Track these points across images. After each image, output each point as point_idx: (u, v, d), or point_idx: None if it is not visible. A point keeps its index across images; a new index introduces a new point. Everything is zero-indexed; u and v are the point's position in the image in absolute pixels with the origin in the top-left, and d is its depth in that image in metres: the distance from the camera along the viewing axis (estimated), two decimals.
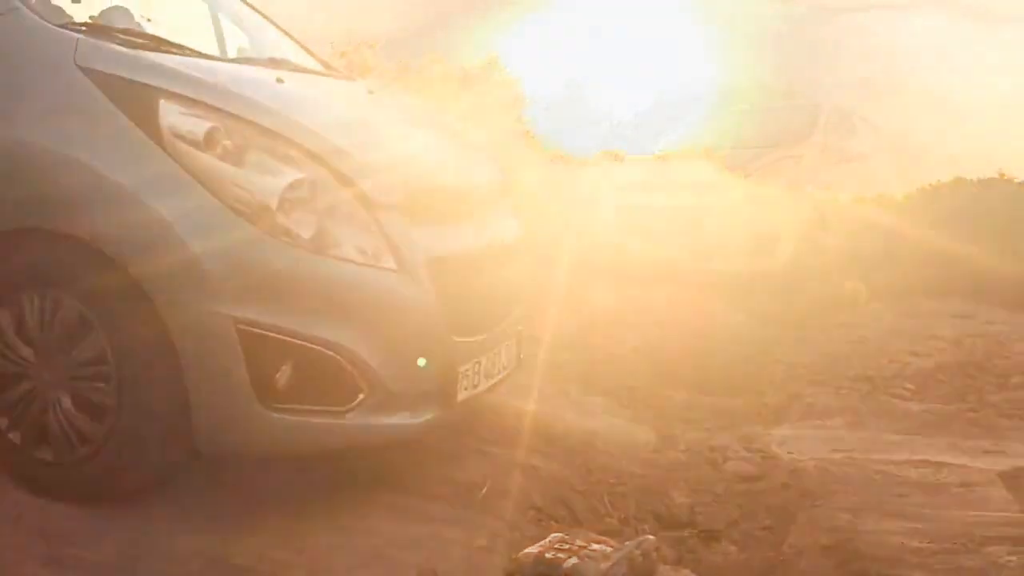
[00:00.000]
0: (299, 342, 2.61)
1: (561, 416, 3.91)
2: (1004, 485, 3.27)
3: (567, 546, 2.60)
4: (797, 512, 3.14)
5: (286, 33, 4.16)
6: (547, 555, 2.53)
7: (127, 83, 2.67)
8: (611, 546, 2.61)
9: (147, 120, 2.62)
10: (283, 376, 2.60)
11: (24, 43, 2.79)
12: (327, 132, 2.79)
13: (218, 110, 2.66)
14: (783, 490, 3.33)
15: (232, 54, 3.98)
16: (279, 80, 3.06)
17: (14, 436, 2.69)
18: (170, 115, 2.63)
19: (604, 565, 2.49)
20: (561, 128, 10.82)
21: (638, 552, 2.56)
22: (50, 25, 2.81)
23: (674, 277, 6.92)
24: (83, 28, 2.90)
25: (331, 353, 2.64)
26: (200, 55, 3.16)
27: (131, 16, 3.82)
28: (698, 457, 3.70)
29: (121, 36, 2.96)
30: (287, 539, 2.59)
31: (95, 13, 3.47)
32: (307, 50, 4.11)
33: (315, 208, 2.66)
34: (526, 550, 2.56)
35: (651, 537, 2.67)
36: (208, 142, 2.61)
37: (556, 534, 2.67)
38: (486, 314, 3.11)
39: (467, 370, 2.97)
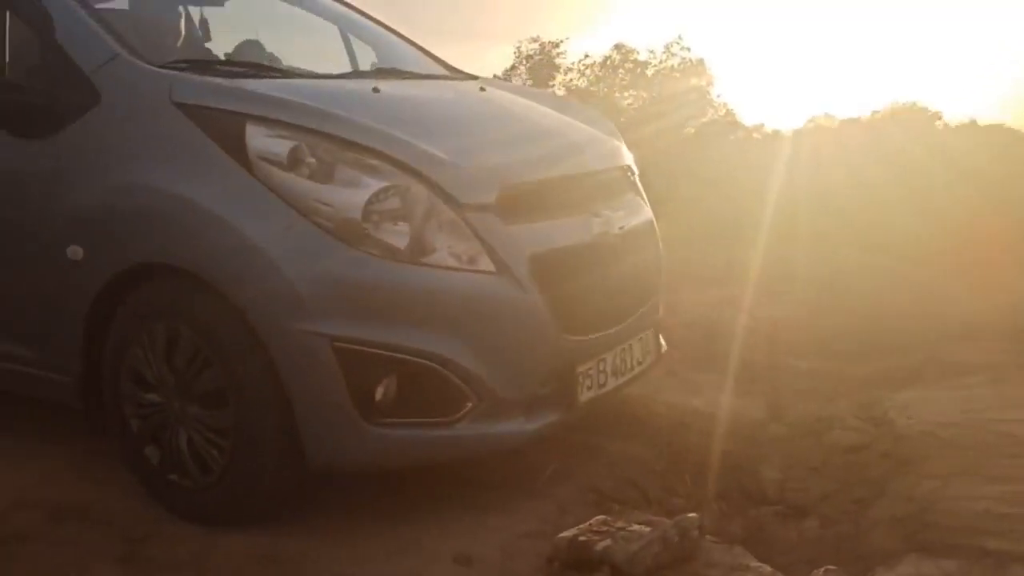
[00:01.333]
0: (397, 355, 2.59)
1: (660, 397, 3.79)
2: None
3: (606, 528, 2.54)
4: (889, 482, 2.90)
5: (410, 42, 4.24)
6: (581, 538, 2.47)
7: (216, 112, 2.73)
8: (653, 526, 2.52)
9: (236, 146, 2.67)
10: (384, 390, 2.60)
11: (127, 87, 2.88)
12: (415, 137, 2.75)
13: (300, 127, 2.67)
14: (882, 459, 3.08)
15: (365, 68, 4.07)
16: (375, 90, 3.07)
17: (151, 454, 2.80)
18: (256, 138, 2.67)
19: (635, 546, 2.41)
20: None
21: (674, 531, 2.45)
22: (148, 67, 2.89)
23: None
24: (181, 66, 3.00)
25: (432, 364, 2.61)
26: (299, 75, 3.26)
27: (261, 47, 4.09)
28: (801, 429, 3.48)
29: (217, 68, 3.10)
30: (333, 532, 2.66)
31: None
32: (430, 55, 4.18)
33: (402, 217, 2.62)
34: (562, 534, 2.51)
35: (693, 515, 2.53)
36: (291, 161, 2.62)
37: (600, 516, 2.60)
38: (610, 308, 3.03)
39: (589, 369, 2.91)
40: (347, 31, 4.23)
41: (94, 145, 2.87)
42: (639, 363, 3.18)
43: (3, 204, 3.02)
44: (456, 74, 4.06)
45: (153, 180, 2.73)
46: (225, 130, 2.69)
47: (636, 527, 2.51)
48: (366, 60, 4.15)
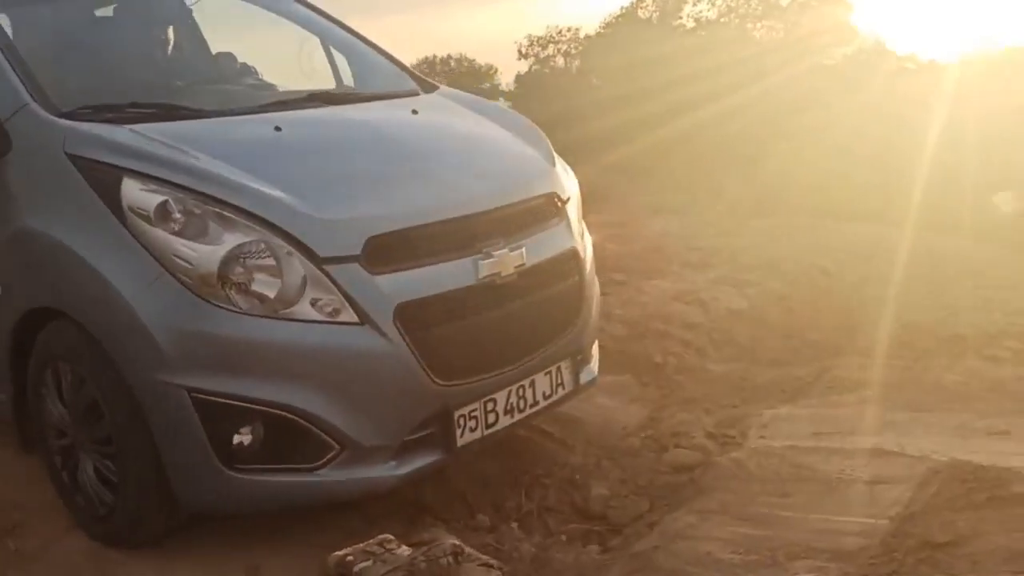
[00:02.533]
0: (254, 407, 2.70)
1: None
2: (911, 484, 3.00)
3: (379, 549, 2.89)
4: (672, 512, 3.13)
5: (381, 51, 4.28)
6: (348, 557, 2.84)
7: (98, 165, 2.86)
8: (417, 549, 2.86)
9: (113, 199, 2.80)
10: (243, 439, 2.72)
11: (31, 136, 3.05)
12: (286, 189, 2.81)
13: (169, 182, 2.77)
14: (686, 486, 3.31)
15: (347, 81, 4.20)
16: (277, 129, 3.18)
17: (66, 476, 3.08)
18: (130, 192, 2.79)
19: (383, 569, 2.76)
20: None
21: (422, 558, 2.79)
22: (48, 117, 3.02)
23: None
24: (82, 112, 3.09)
25: (289, 416, 2.71)
26: (207, 114, 3.32)
27: (234, 59, 4.38)
28: (653, 443, 3.72)
29: (124, 112, 3.16)
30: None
31: None
32: (399, 64, 4.22)
33: (262, 271, 2.70)
34: (337, 552, 2.88)
35: (453, 541, 2.85)
36: (159, 215, 2.73)
37: (383, 536, 2.94)
38: (498, 350, 3.04)
39: (473, 411, 2.97)
40: (327, 41, 4.28)
41: (5, 190, 3.08)
42: (545, 397, 3.22)
43: None
44: (404, 91, 3.99)
45: (47, 228, 2.92)
46: (105, 182, 2.83)
47: (402, 550, 2.86)
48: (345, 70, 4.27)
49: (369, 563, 2.80)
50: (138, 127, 3.02)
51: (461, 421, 2.95)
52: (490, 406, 3.04)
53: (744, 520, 2.92)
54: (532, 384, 3.18)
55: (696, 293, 5.54)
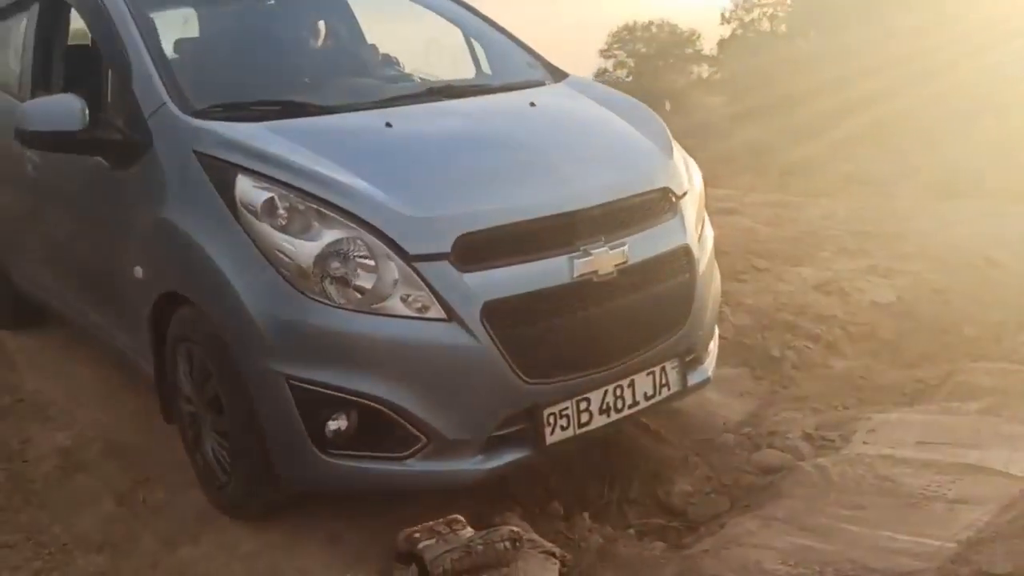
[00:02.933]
0: (346, 396, 2.83)
1: None
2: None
3: (446, 529, 3.02)
4: (738, 517, 3.10)
5: (519, 43, 4.32)
6: (416, 534, 2.99)
7: (219, 162, 3.06)
8: (478, 532, 2.98)
9: (229, 195, 2.98)
10: (335, 426, 2.86)
11: (168, 134, 3.28)
12: (383, 186, 2.92)
13: (276, 180, 2.93)
14: (765, 489, 3.26)
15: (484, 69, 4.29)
16: (388, 125, 3.30)
17: (192, 441, 3.33)
18: (243, 188, 2.97)
19: (441, 548, 2.90)
20: None
21: (479, 541, 2.90)
22: (183, 116, 3.25)
23: None
24: (213, 111, 3.29)
25: (378, 407, 2.83)
26: (326, 111, 3.43)
27: (376, 51, 4.59)
28: (747, 441, 3.66)
29: (250, 110, 3.33)
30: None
31: None
32: (529, 51, 4.26)
33: (355, 267, 2.81)
34: (407, 529, 3.04)
35: (512, 527, 2.94)
36: (265, 211, 2.90)
37: (452, 516, 3.07)
38: (595, 349, 3.03)
39: (564, 410, 2.97)
40: (467, 31, 4.37)
41: (148, 182, 3.32)
42: (647, 398, 3.16)
43: (106, 218, 3.61)
44: (529, 81, 4.01)
45: (178, 220, 3.14)
46: (223, 179, 3.02)
47: (466, 531, 2.99)
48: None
49: (432, 541, 2.95)
50: (259, 125, 3.20)
51: (551, 419, 2.95)
52: (583, 405, 3.02)
53: (806, 531, 2.86)
54: (632, 384, 3.13)
55: (840, 283, 5.32)
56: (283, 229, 2.89)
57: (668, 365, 3.23)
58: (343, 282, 2.83)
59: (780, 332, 4.66)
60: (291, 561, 3.01)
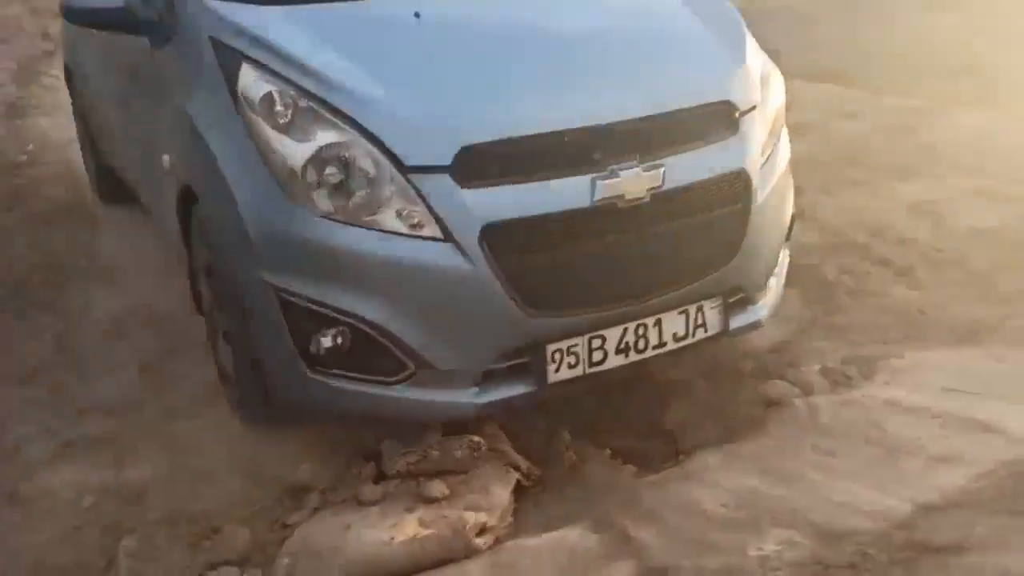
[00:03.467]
0: (333, 315, 2.65)
1: None
2: None
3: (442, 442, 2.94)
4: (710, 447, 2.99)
5: None
6: (408, 449, 2.92)
7: (228, 49, 2.88)
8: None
9: (234, 86, 2.82)
10: (321, 344, 2.70)
11: (190, 17, 3.12)
12: (390, 87, 2.69)
13: (277, 74, 2.74)
14: (758, 422, 3.12)
15: None
16: (416, 15, 3.02)
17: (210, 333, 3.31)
18: (245, 79, 2.79)
19: (399, 451, 2.94)
20: None
21: (435, 448, 2.92)
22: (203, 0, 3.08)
23: None
24: None
25: (366, 329, 2.64)
26: None
27: None
28: (761, 370, 3.49)
29: None
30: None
31: None
32: None
33: (348, 174, 2.61)
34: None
35: (473, 438, 2.93)
36: (263, 106, 2.71)
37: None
38: (615, 283, 2.77)
39: (573, 347, 2.74)
40: None
41: (173, 66, 3.22)
42: (677, 339, 2.90)
43: (147, 101, 3.54)
44: None
45: (190, 108, 2.98)
46: (231, 68, 2.84)
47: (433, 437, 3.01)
48: None
49: (394, 442, 3.01)
50: (279, 9, 3.01)
51: (556, 356, 2.73)
52: (597, 343, 2.77)
53: (766, 474, 2.74)
54: (658, 324, 2.85)
55: (939, 203, 4.91)
56: (279, 127, 2.69)
57: (707, 304, 2.94)
58: (334, 190, 2.62)
59: (845, 254, 4.39)
60: (271, 447, 3.13)
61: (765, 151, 3.11)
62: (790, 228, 3.41)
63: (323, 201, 2.64)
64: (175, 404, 3.40)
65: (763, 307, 3.21)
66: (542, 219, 2.64)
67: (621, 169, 2.71)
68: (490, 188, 2.62)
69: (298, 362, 2.75)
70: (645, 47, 3.17)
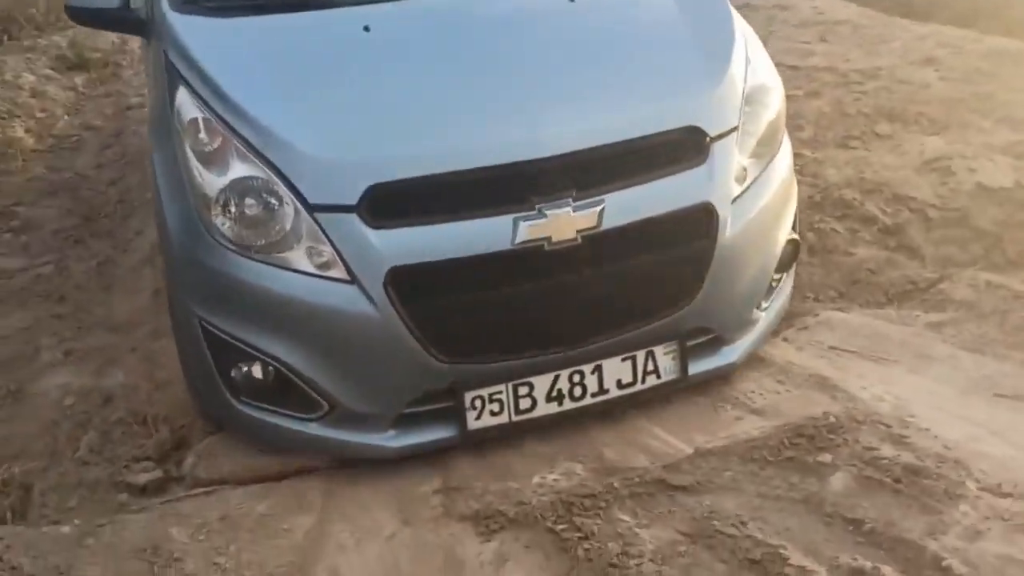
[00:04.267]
0: (249, 350, 2.63)
1: None
2: None
3: None
4: None
5: None
6: None
7: (173, 67, 2.91)
8: None
9: (172, 105, 2.84)
10: (242, 376, 2.71)
11: (157, 27, 3.16)
12: (307, 122, 2.63)
13: (204, 102, 2.72)
14: None
15: None
16: (365, 29, 2.93)
17: None
18: (180, 101, 2.80)
19: None
20: None
21: None
22: (167, 10, 3.10)
23: None
24: (195, 5, 3.11)
25: (278, 366, 2.62)
26: (304, 6, 3.10)
27: None
28: None
29: (213, 5, 3.11)
30: None
31: None
32: None
33: (255, 211, 2.57)
34: None
35: None
36: (190, 132, 2.72)
37: None
38: (541, 330, 2.63)
39: (494, 395, 2.62)
40: None
41: (150, 68, 3.42)
42: (622, 386, 2.72)
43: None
44: None
45: (151, 114, 3.14)
46: (172, 87, 2.88)
47: None
48: None
49: None
50: (227, 22, 3.03)
51: (477, 403, 2.61)
52: (523, 391, 2.63)
53: (604, 415, 2.97)
54: (598, 370, 2.67)
55: (957, 159, 4.79)
56: (200, 156, 2.69)
57: (660, 350, 2.73)
58: (246, 225, 2.59)
59: (825, 210, 4.43)
60: None
61: (746, 176, 2.84)
62: (793, 253, 3.16)
63: (235, 234, 2.60)
64: (165, 326, 3.98)
65: (738, 348, 2.95)
66: (455, 263, 2.50)
67: (550, 208, 2.51)
68: (400, 229, 2.51)
69: (223, 390, 2.75)
70: (610, 67, 2.92)
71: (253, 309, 2.62)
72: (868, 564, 2.19)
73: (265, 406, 2.74)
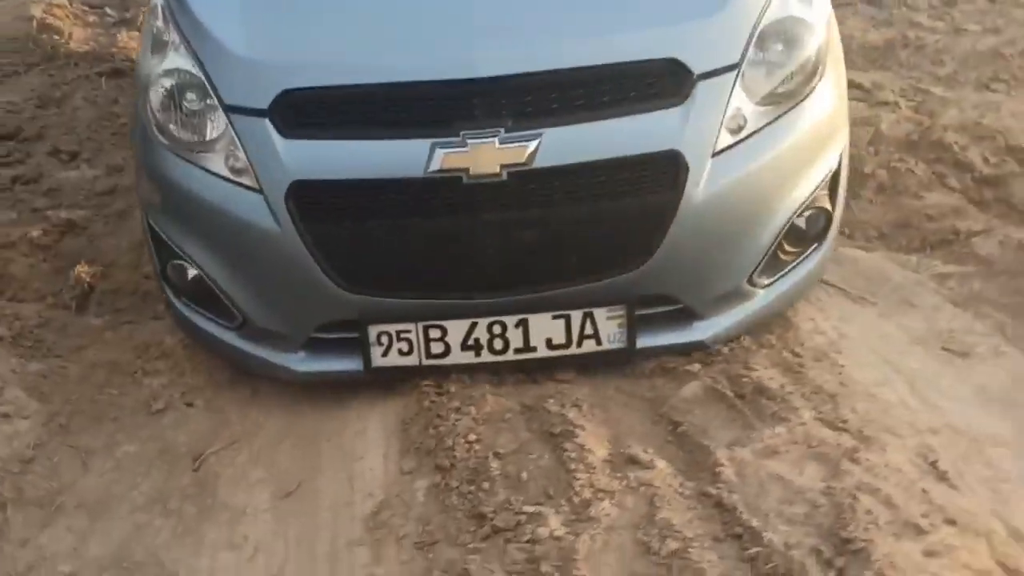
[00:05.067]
0: (176, 249, 2.60)
1: None
2: None
3: None
4: None
5: None
6: None
7: None
8: None
9: None
10: (175, 276, 2.69)
11: None
12: (245, 21, 2.56)
13: None
14: None
15: None
16: None
17: None
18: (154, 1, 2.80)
19: None
20: None
21: None
22: None
23: None
24: None
25: (198, 271, 2.58)
26: None
27: None
28: None
29: None
30: None
31: None
32: None
33: (180, 107, 2.53)
34: None
35: None
36: (150, 18, 2.76)
37: None
38: (461, 271, 2.44)
39: (403, 333, 2.45)
40: None
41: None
42: (552, 346, 2.48)
43: None
44: None
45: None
46: None
47: None
48: None
49: None
50: None
51: (383, 339, 2.46)
52: (435, 334, 2.45)
53: None
54: (523, 325, 2.44)
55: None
56: (153, 42, 2.69)
57: (601, 313, 2.45)
58: (171, 121, 2.56)
59: (918, 152, 4.15)
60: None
61: (744, 126, 2.47)
62: (822, 224, 2.71)
63: (162, 129, 2.58)
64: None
65: (713, 326, 2.60)
66: (362, 184, 2.36)
67: (474, 137, 2.29)
68: (309, 141, 2.39)
69: (165, 287, 2.78)
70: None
71: (178, 209, 2.58)
72: (648, 457, 2.28)
73: (196, 308, 2.72)
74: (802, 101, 2.54)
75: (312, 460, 2.54)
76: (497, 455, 2.34)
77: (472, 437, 2.38)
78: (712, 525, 2.10)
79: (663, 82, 2.39)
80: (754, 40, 2.47)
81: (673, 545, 2.01)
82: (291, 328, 2.56)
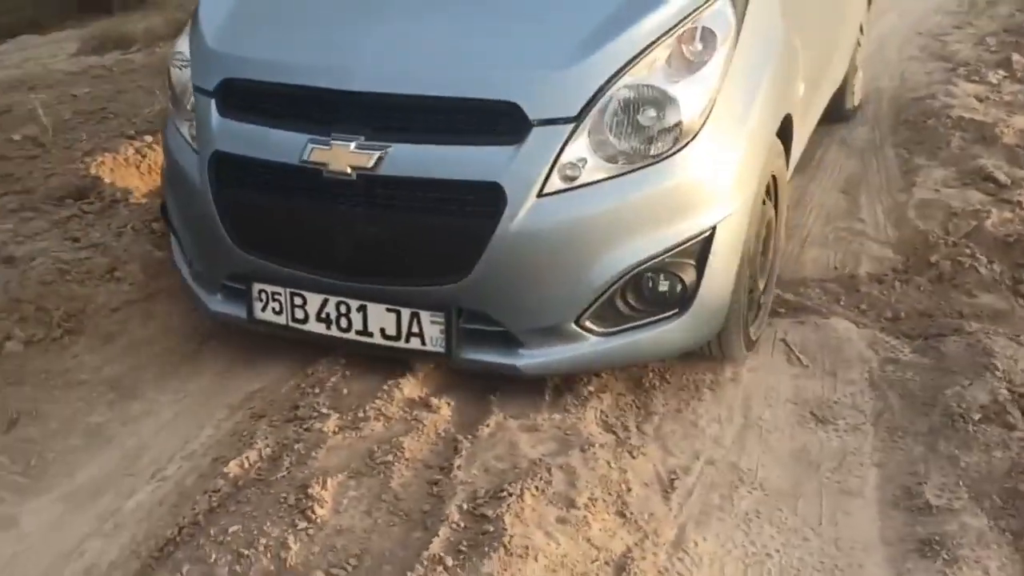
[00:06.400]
0: (167, 191, 3.30)
1: None
2: None
3: None
4: None
5: None
6: None
7: None
8: None
9: None
10: (166, 212, 3.30)
11: None
12: (236, 18, 3.09)
13: None
14: None
15: None
16: None
17: None
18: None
19: None
20: None
21: None
22: None
23: None
24: None
25: (166, 216, 3.26)
26: None
27: None
28: None
29: None
30: None
31: None
32: None
33: (177, 79, 3.17)
34: None
35: None
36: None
37: None
38: (312, 251, 2.79)
39: (275, 294, 2.84)
40: None
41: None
42: (385, 336, 2.74)
43: None
44: None
45: None
46: None
47: None
48: None
49: None
50: None
51: (262, 296, 2.87)
52: (298, 301, 2.82)
53: None
54: (363, 311, 2.75)
55: None
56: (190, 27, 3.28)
57: (426, 316, 2.69)
58: (173, 90, 3.21)
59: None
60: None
61: (578, 176, 2.57)
62: (681, 293, 2.69)
63: (170, 97, 3.26)
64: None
65: (530, 357, 2.70)
66: (253, 162, 2.80)
67: (337, 139, 2.65)
68: (233, 121, 2.86)
69: (168, 224, 3.37)
70: (489, 18, 2.85)
71: (168, 163, 3.22)
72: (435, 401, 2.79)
73: (175, 245, 3.30)
74: (655, 164, 2.59)
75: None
76: None
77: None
78: None
79: (502, 121, 2.57)
80: (602, 99, 2.57)
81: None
82: (210, 271, 3.04)
